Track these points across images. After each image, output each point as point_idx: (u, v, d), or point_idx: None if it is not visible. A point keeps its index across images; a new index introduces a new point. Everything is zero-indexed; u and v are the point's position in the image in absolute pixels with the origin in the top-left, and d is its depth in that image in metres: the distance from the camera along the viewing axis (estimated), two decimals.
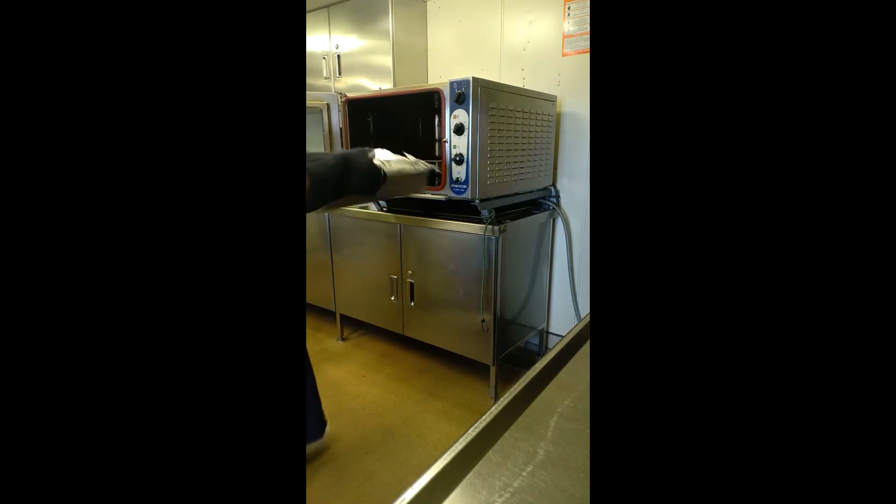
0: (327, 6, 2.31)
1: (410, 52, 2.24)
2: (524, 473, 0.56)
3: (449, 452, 0.57)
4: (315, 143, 1.95)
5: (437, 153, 1.57)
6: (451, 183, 1.53)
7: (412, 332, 1.95)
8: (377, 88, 2.19)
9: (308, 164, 1.02)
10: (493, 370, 1.77)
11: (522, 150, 1.71)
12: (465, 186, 1.51)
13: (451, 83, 1.44)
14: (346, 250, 2.11)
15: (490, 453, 0.59)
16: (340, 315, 2.28)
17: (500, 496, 0.51)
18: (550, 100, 1.86)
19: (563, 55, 1.92)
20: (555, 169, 2.02)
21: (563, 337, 0.89)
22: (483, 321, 1.67)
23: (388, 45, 2.13)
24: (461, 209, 1.68)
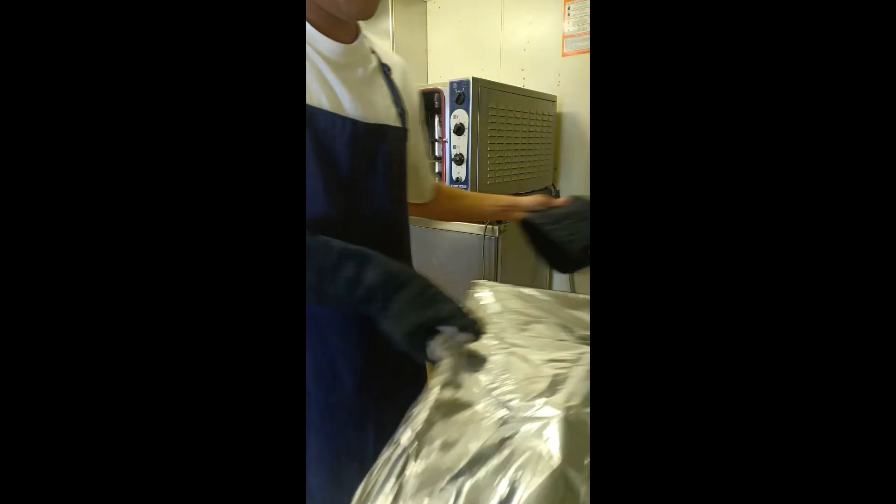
0: None
1: (410, 52, 2.24)
2: None
3: None
4: None
5: (436, 153, 1.57)
6: (450, 183, 1.53)
7: None
8: None
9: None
10: None
11: (522, 150, 1.71)
12: (465, 186, 1.51)
13: (451, 83, 1.44)
14: None
15: None
16: None
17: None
18: (550, 100, 1.86)
19: (563, 55, 1.91)
20: (555, 169, 2.02)
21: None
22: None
23: (388, 45, 2.13)
24: None
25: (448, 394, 0.53)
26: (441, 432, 0.48)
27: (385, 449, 0.44)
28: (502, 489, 0.42)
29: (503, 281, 1.66)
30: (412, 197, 0.83)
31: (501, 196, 0.88)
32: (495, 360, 0.58)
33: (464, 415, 0.50)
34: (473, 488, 0.43)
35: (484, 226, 1.56)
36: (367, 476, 0.42)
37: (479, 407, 0.51)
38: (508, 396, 0.53)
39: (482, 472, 0.44)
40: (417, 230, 1.78)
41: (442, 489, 0.42)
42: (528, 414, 0.50)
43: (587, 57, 1.90)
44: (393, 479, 0.41)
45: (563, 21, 1.88)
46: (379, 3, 0.61)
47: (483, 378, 0.56)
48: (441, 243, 1.73)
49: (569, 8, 1.85)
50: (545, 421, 0.48)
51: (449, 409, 0.51)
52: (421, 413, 0.49)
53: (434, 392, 0.53)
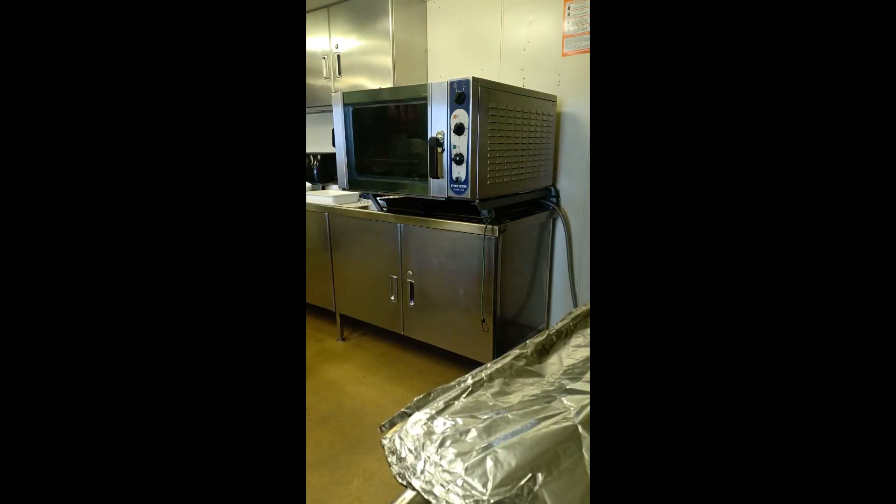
0: (327, 6, 2.31)
1: (410, 52, 2.24)
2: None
3: None
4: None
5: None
6: (450, 183, 1.53)
7: (412, 333, 1.95)
8: (377, 88, 2.19)
9: None
10: None
11: (522, 150, 1.71)
12: (465, 186, 1.50)
13: (451, 83, 1.44)
14: (346, 250, 2.11)
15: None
16: (340, 315, 2.28)
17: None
18: (550, 100, 1.86)
19: (563, 55, 1.92)
20: (555, 169, 2.02)
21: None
22: (483, 321, 1.67)
23: (388, 45, 2.13)
24: (461, 209, 1.68)
25: (521, 363, 0.76)
26: (499, 384, 0.68)
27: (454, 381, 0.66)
28: (520, 425, 0.57)
29: (503, 281, 1.66)
30: None
31: None
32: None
33: (528, 379, 0.71)
34: (502, 420, 0.58)
35: (484, 226, 1.56)
36: (431, 391, 0.63)
37: (544, 380, 0.70)
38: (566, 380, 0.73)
39: (514, 414, 0.59)
40: (418, 230, 1.78)
41: (480, 414, 0.59)
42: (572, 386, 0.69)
43: (587, 57, 1.90)
44: (448, 396, 0.63)
45: (563, 21, 1.88)
46: None
47: (556, 363, 0.77)
48: (441, 243, 1.73)
49: (569, 8, 1.85)
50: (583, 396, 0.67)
51: (517, 373, 0.73)
52: (491, 367, 0.71)
53: (510, 356, 0.76)
